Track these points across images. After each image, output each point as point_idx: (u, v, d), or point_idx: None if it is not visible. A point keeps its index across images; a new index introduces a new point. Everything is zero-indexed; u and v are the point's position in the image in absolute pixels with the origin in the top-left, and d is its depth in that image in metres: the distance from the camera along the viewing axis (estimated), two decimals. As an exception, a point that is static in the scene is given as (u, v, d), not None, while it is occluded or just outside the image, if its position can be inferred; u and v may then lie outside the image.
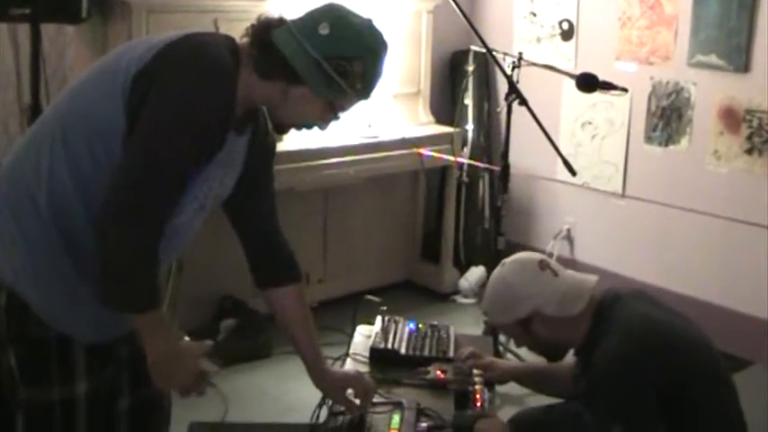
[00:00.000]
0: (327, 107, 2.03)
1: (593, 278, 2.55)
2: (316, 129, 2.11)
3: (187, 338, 2.09)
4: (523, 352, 3.48)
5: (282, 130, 2.14)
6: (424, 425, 2.35)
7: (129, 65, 1.89)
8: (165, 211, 1.87)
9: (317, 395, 2.46)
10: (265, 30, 1.97)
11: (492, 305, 2.56)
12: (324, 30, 1.94)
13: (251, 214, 2.31)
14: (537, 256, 2.58)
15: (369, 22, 2.02)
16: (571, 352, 2.57)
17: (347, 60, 1.94)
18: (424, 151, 4.77)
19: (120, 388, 2.17)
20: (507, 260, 2.56)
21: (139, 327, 1.94)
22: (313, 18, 1.97)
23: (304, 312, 2.40)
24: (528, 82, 4.14)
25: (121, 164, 1.84)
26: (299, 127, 2.10)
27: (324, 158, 4.52)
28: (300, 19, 1.99)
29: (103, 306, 1.92)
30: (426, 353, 2.78)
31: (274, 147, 2.28)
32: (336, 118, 2.08)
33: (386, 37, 2.04)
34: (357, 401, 2.40)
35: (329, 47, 1.93)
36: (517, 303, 2.47)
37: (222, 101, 1.90)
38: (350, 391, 2.41)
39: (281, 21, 1.99)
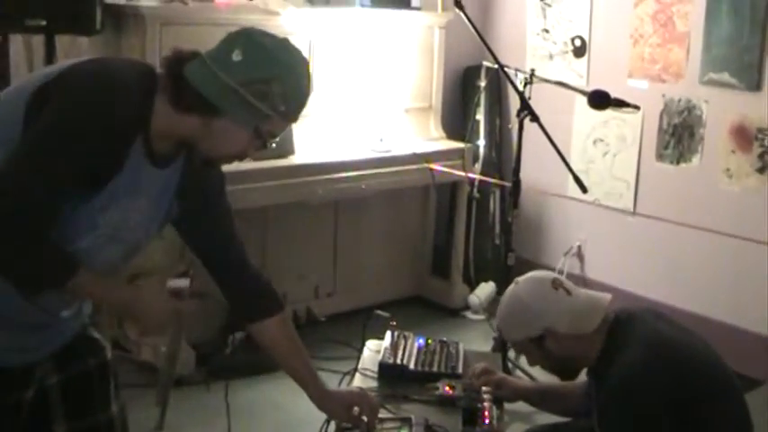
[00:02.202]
0: (253, 135, 1.95)
1: (606, 296, 2.54)
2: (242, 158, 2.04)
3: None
4: (536, 370, 3.46)
5: (211, 163, 2.06)
6: (431, 441, 2.35)
7: (34, 83, 1.86)
8: (34, 223, 1.79)
9: (325, 410, 2.45)
10: (177, 64, 1.91)
11: (506, 322, 2.56)
12: (237, 56, 1.87)
13: (213, 252, 2.23)
14: (550, 274, 2.58)
15: (284, 40, 1.95)
16: (584, 371, 2.56)
17: (265, 82, 1.87)
18: (434, 166, 4.77)
19: (52, 414, 2.13)
20: (521, 278, 2.56)
21: (76, 295, 1.92)
22: (225, 46, 1.91)
23: (293, 341, 2.37)
24: (540, 98, 4.14)
25: None
26: (226, 159, 2.03)
27: (335, 172, 4.52)
28: (213, 49, 1.93)
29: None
30: (435, 369, 2.77)
31: (220, 180, 2.20)
32: (265, 145, 2.00)
33: (303, 54, 1.97)
34: (364, 419, 2.39)
35: (244, 72, 1.86)
36: (531, 321, 2.46)
37: (108, 123, 1.83)
38: (355, 408, 2.40)
39: (195, 54, 1.93)
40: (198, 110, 1.89)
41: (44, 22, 3.58)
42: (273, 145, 2.02)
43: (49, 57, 3.71)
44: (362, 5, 4.91)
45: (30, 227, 1.79)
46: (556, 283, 2.51)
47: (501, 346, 4.01)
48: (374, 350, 2.90)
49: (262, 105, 1.89)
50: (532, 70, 4.11)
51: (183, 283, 1.96)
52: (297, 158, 4.44)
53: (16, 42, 4.08)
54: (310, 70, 1.98)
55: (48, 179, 1.79)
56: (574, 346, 2.45)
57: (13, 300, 1.92)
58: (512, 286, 2.56)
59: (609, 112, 4.38)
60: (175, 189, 2.07)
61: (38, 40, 3.94)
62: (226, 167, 2.13)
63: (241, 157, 2.02)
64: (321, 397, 2.39)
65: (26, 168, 1.78)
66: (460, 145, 5.12)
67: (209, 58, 1.90)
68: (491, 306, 5.00)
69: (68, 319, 2.11)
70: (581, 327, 2.45)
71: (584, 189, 3.82)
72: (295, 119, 2.00)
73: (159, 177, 2.01)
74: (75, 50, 4.25)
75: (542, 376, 3.01)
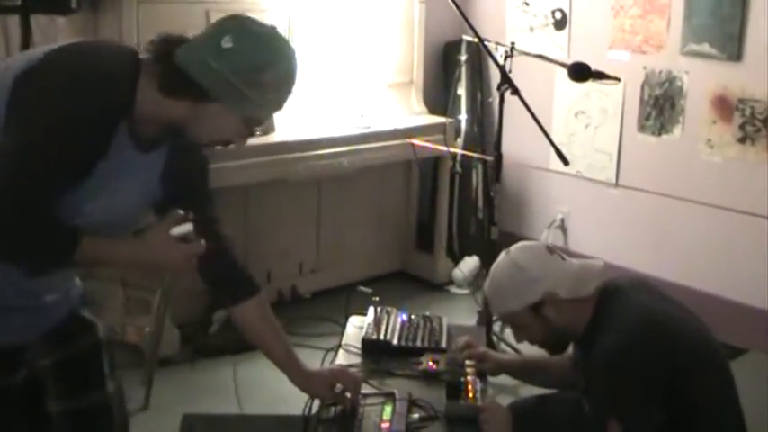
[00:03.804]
0: (241, 122, 1.97)
1: (599, 262, 2.55)
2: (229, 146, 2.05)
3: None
4: (521, 344, 3.48)
5: (197, 147, 2.09)
6: (416, 416, 2.36)
7: (17, 68, 1.86)
8: (27, 208, 1.82)
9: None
10: (166, 48, 1.90)
11: (501, 293, 2.52)
12: (227, 43, 1.87)
13: None
14: (541, 242, 2.58)
15: (273, 29, 1.95)
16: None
17: (255, 72, 1.88)
18: (416, 142, 4.76)
19: (45, 394, 2.15)
20: (512, 248, 2.54)
21: (88, 264, 1.93)
22: (215, 32, 1.90)
23: (271, 323, 2.36)
24: (521, 72, 4.13)
25: None
26: (213, 145, 2.03)
27: (316, 149, 4.51)
28: (202, 35, 1.92)
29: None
30: (419, 343, 2.77)
31: (204, 166, 2.20)
32: (252, 133, 2.01)
33: (290, 42, 1.99)
34: (348, 395, 2.40)
35: (235, 60, 1.86)
36: (530, 286, 2.45)
37: (93, 109, 1.83)
38: (338, 385, 2.41)
39: (182, 39, 1.92)
40: (187, 95, 1.89)
41: (19, 2, 3.54)
42: (258, 132, 2.03)
43: (26, 37, 3.67)
44: (342, -20, 4.88)
45: (25, 217, 1.81)
46: (550, 249, 2.51)
47: (486, 319, 4.03)
48: (357, 326, 2.91)
49: (251, 94, 1.89)
50: (512, 44, 4.09)
51: (188, 227, 1.96)
52: (277, 136, 4.43)
53: (-8, 22, 4.04)
54: (297, 59, 1.97)
55: (36, 172, 1.80)
56: (571, 312, 2.44)
57: None
58: (503, 256, 2.54)
59: (590, 85, 4.38)
60: (160, 173, 2.07)
61: (14, 21, 3.90)
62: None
63: (226, 144, 2.03)
64: (302, 378, 2.39)
65: (15, 163, 1.79)
66: (442, 120, 5.11)
67: (199, 43, 1.89)
68: (475, 280, 5.02)
69: (54, 303, 2.11)
70: (579, 290, 2.44)
71: (565, 162, 3.82)
72: (281, 107, 1.99)
73: (145, 162, 2.00)
74: (53, 30, 4.21)
75: (527, 350, 3.02)
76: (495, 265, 2.56)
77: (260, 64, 1.88)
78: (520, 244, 2.56)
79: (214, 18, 4.06)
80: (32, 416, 2.15)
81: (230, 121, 1.95)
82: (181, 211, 1.97)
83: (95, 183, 1.90)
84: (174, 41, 1.91)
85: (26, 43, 3.67)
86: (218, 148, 2.06)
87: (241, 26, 1.91)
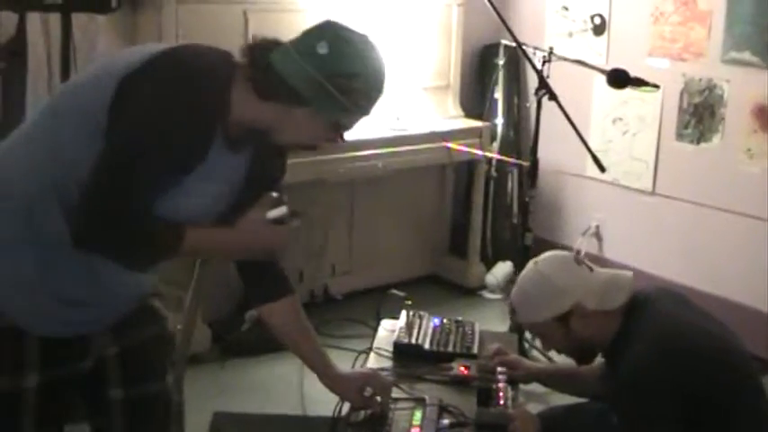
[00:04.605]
0: (331, 126, 2.02)
1: (628, 273, 2.52)
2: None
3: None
4: (552, 352, 3.46)
5: (283, 151, 2.15)
6: (446, 422, 2.34)
7: (118, 71, 1.90)
8: (135, 211, 1.88)
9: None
10: (263, 51, 1.96)
11: (528, 303, 2.51)
12: (323, 49, 1.92)
13: None
14: (569, 253, 2.56)
15: (365, 37, 1.99)
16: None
17: (349, 78, 1.93)
18: (451, 145, 4.75)
19: (108, 380, 2.18)
20: (539, 258, 2.53)
21: (193, 255, 2.03)
22: (310, 37, 1.95)
23: (302, 323, 2.38)
24: (559, 77, 4.11)
25: (92, 171, 1.85)
26: (298, 148, 2.10)
27: (352, 150, 4.51)
28: (298, 39, 1.97)
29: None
30: (450, 349, 2.76)
31: (282, 170, 2.25)
32: (341, 138, 2.07)
33: (383, 52, 2.02)
34: (378, 399, 2.39)
35: (330, 66, 1.92)
36: (558, 297, 2.43)
37: (197, 112, 1.89)
38: (368, 389, 2.40)
39: (278, 42, 1.98)
40: (281, 99, 1.94)
41: (61, 1, 3.57)
42: (342, 140, 2.10)
43: (66, 36, 3.70)
44: (380, -18, 4.88)
45: (134, 217, 1.88)
46: (578, 260, 2.49)
47: (518, 326, 4.01)
48: (389, 329, 2.90)
49: (343, 99, 1.94)
50: (551, 48, 4.07)
51: (282, 210, 2.04)
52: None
53: (33, 21, 4.08)
54: (386, 67, 2.01)
55: (142, 174, 1.87)
56: (598, 324, 2.43)
57: (71, 279, 1.99)
58: (530, 266, 2.53)
59: (628, 92, 4.35)
60: (246, 174, 2.11)
61: (55, 19, 3.93)
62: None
63: (313, 148, 2.11)
64: (332, 379, 2.40)
65: (122, 165, 1.86)
66: (478, 124, 5.10)
67: (295, 48, 1.94)
68: (508, 286, 4.99)
69: (127, 297, 2.16)
70: (608, 302, 2.42)
71: (602, 169, 3.79)
72: (369, 113, 2.04)
73: (234, 162, 2.05)
74: (92, 29, 4.24)
75: (559, 358, 3.01)
76: (522, 275, 2.56)
77: (354, 70, 1.93)
78: (548, 254, 2.55)
79: (252, 18, 4.11)
80: (93, 403, 2.19)
81: (319, 125, 2.00)
82: (274, 194, 2.05)
83: (192, 182, 1.95)
84: (269, 45, 1.96)
85: (66, 42, 3.70)
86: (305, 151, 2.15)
87: (336, 32, 1.96)
